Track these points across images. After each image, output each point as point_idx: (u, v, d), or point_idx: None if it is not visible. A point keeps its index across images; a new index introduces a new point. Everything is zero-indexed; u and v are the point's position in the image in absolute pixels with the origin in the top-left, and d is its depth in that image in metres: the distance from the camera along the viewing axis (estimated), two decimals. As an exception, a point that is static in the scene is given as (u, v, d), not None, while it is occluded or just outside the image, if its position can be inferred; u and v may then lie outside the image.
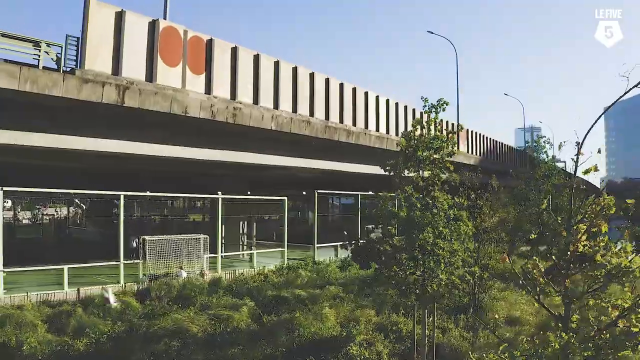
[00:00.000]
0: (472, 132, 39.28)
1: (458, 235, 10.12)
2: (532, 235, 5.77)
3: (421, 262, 10.04)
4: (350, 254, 11.85)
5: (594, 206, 4.58)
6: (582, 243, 4.54)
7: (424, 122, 11.09)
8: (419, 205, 10.00)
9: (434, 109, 10.57)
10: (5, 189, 15.98)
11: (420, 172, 10.47)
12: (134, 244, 21.36)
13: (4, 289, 14.29)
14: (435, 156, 10.27)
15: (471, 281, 11.99)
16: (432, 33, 39.91)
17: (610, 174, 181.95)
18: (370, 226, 26.30)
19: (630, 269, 4.36)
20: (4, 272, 14.59)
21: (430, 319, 11.70)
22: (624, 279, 4.50)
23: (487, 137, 42.42)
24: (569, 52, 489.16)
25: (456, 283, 9.95)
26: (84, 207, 48.97)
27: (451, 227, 10.03)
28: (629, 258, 4.53)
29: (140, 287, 16.24)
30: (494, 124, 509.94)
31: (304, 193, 41.10)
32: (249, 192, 31.63)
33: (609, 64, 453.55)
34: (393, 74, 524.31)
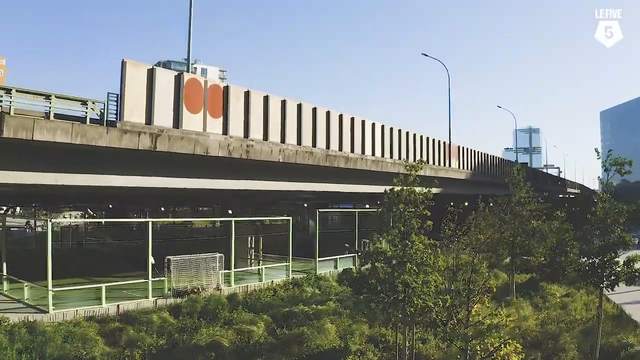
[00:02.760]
0: (463, 148, 41.87)
1: (432, 270, 12.86)
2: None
3: (402, 290, 12.79)
4: (347, 283, 14.54)
5: (482, 286, 7.55)
6: (474, 309, 7.49)
7: (408, 173, 13.77)
8: (400, 246, 12.77)
9: (413, 168, 13.33)
10: (53, 220, 18.68)
11: (402, 219, 13.20)
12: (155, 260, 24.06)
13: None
14: (410, 210, 12.99)
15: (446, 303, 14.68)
16: (427, 55, 42.44)
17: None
18: (367, 241, 29.11)
19: (499, 325, 7.35)
20: (52, 291, 17.24)
21: (411, 332, 14.40)
22: (499, 330, 7.48)
23: (477, 152, 45.03)
24: (569, 52, 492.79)
25: (430, 306, 12.69)
26: (96, 216, 51.82)
27: (425, 262, 12.76)
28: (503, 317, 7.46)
29: (169, 303, 18.90)
30: (493, 123, 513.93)
31: (305, 205, 43.85)
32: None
33: (609, 64, 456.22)
34: (392, 74, 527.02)
